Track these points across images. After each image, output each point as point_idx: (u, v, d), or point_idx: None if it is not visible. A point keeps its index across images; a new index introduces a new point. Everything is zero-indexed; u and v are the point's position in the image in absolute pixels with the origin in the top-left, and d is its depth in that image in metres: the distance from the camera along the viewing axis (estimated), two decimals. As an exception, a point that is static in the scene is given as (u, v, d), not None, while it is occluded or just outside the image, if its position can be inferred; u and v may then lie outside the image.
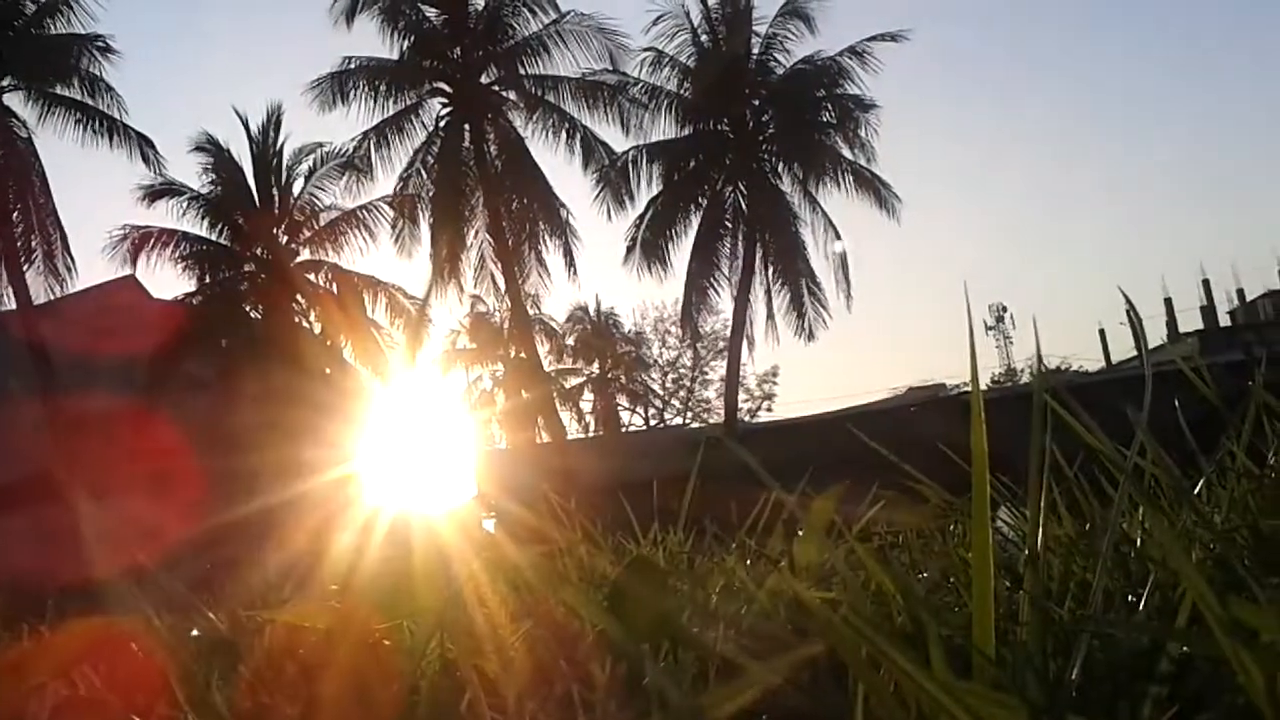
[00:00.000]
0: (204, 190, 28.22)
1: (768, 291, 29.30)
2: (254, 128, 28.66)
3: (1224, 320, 40.88)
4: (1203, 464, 1.41)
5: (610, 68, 28.09)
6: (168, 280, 38.61)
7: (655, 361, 48.25)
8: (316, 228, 28.66)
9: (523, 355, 31.55)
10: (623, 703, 0.98)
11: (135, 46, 69.85)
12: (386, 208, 28.31)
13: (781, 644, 0.96)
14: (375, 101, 27.88)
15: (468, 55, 28.41)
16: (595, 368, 48.29)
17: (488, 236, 28.39)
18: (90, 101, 26.08)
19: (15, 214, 25.82)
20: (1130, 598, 1.03)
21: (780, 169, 29.48)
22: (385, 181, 28.40)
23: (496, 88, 28.64)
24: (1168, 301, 41.71)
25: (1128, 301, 1.40)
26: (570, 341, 47.31)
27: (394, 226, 28.39)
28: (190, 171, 29.12)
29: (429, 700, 1.01)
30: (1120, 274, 66.24)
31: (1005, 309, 48.24)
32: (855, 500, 1.80)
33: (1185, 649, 0.71)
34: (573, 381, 47.56)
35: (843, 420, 23.96)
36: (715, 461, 2.07)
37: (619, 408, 48.66)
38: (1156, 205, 75.69)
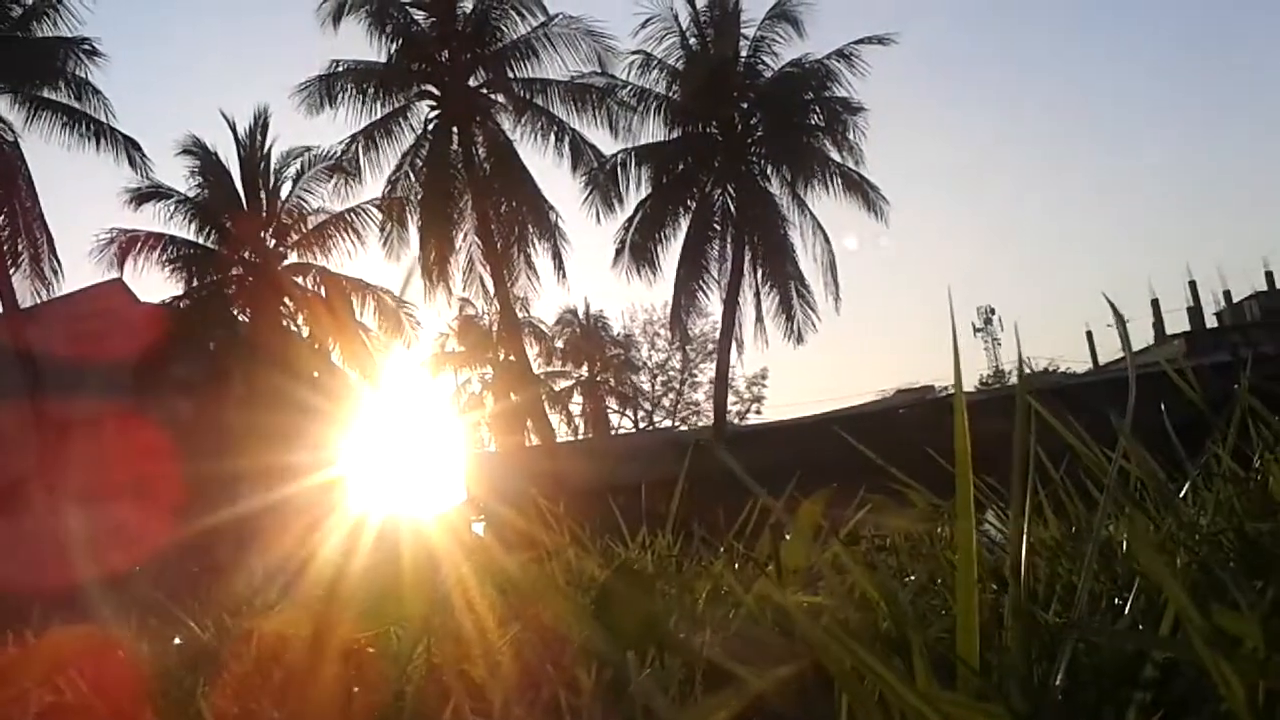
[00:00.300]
0: (191, 193, 28.13)
1: (756, 294, 29.34)
2: (241, 131, 28.59)
3: (1211, 322, 41.09)
4: (1188, 467, 1.42)
5: (599, 70, 28.10)
6: (155, 283, 38.56)
7: (644, 364, 48.25)
8: (304, 231, 28.58)
9: (512, 358, 31.50)
10: (609, 708, 0.98)
11: (122, 49, 69.54)
12: (375, 211, 28.25)
13: (768, 650, 0.96)
14: (363, 104, 27.85)
15: (455, 58, 28.38)
16: (584, 370, 48.28)
17: (476, 239, 28.35)
18: (77, 105, 25.97)
19: (2, 217, 25.68)
20: (1116, 601, 1.03)
21: (769, 171, 29.51)
22: (373, 184, 28.37)
23: (485, 91, 28.61)
24: (1154, 303, 41.94)
25: (1112, 307, 1.40)
26: (559, 344, 47.30)
27: (382, 230, 28.36)
28: (177, 175, 29.13)
29: (413, 707, 1.00)
30: (1108, 276, 66.51)
31: (993, 311, 48.47)
32: (844, 503, 1.80)
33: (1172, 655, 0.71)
34: (562, 384, 47.57)
35: (831, 423, 24.01)
36: (703, 465, 2.07)
37: (608, 410, 48.67)
38: (1144, 207, 76.06)
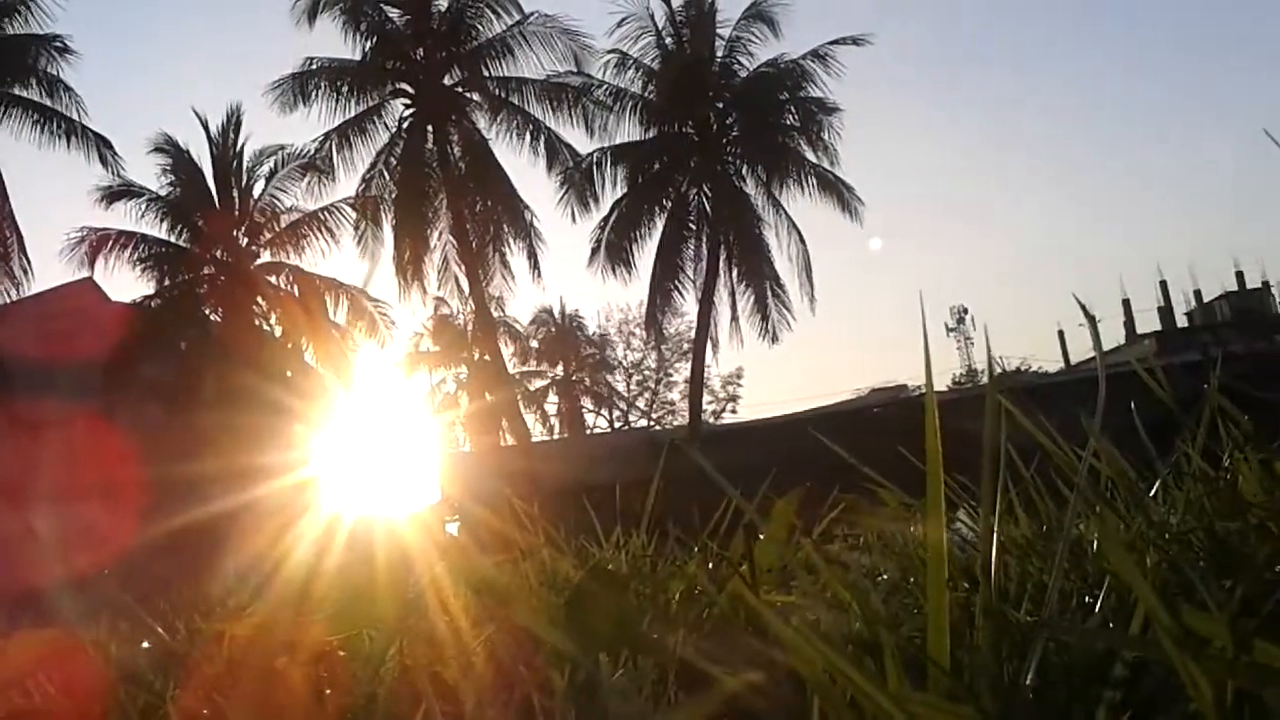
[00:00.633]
0: (163, 192, 27.88)
1: (732, 293, 29.40)
2: (214, 129, 28.36)
3: (1181, 322, 41.46)
4: (1158, 466, 1.42)
5: (574, 69, 28.06)
6: (126, 283, 38.20)
7: (620, 363, 48.24)
8: (277, 229, 28.39)
9: (487, 358, 31.42)
10: (581, 709, 0.97)
11: (94, 47, 68.98)
12: (349, 209, 28.10)
13: (741, 650, 0.96)
14: (337, 102, 27.69)
15: (430, 56, 28.27)
16: (560, 370, 48.22)
17: (451, 238, 28.26)
18: (48, 102, 25.70)
19: (-29, 216, 25.41)
20: (1087, 599, 1.03)
21: (744, 171, 29.56)
22: (347, 183, 28.22)
23: (460, 89, 28.51)
24: (1125, 303, 42.28)
25: (1082, 307, 1.41)
26: (535, 344, 47.23)
27: (356, 228, 28.20)
28: (149, 173, 28.74)
29: (385, 709, 1.00)
30: (1080, 276, 67.02)
31: (966, 311, 48.66)
32: (818, 502, 1.81)
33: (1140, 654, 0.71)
34: (537, 384, 47.51)
35: (806, 422, 24.09)
36: (678, 465, 2.07)
37: (583, 410, 48.64)
38: (1116, 207, 76.66)
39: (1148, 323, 41.87)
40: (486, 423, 33.39)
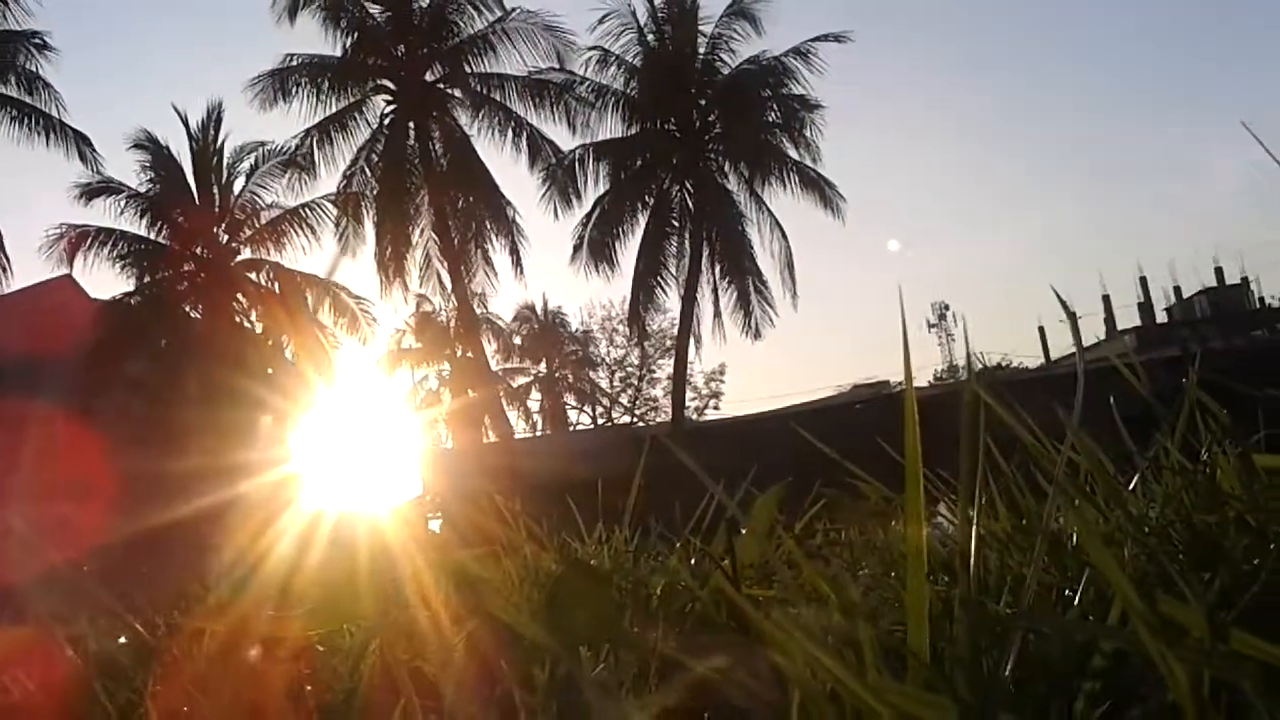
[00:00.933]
0: (143, 188, 27.73)
1: (714, 290, 29.43)
2: (194, 125, 28.21)
3: (1161, 317, 41.75)
4: (1138, 460, 1.43)
5: (557, 66, 28.03)
6: (106, 280, 37.89)
7: (602, 360, 48.20)
8: (258, 226, 28.27)
9: (469, 354, 31.36)
10: (564, 704, 0.97)
11: (74, 43, 68.50)
12: (330, 206, 28.02)
13: (723, 643, 0.96)
14: (318, 99, 27.59)
15: (412, 52, 28.18)
16: (542, 367, 48.17)
17: (433, 235, 28.18)
18: (28, 99, 25.51)
19: (-52, 213, 25.21)
20: (1067, 592, 1.04)
21: (727, 168, 29.59)
22: (328, 180, 28.13)
23: (441, 85, 28.43)
24: (1106, 299, 42.55)
25: (1062, 303, 1.41)
26: (517, 341, 47.16)
27: (337, 225, 28.11)
28: (129, 170, 28.58)
29: (364, 704, 1.00)
30: (1061, 272, 67.39)
31: (947, 307, 48.87)
32: (801, 497, 1.81)
33: (1118, 645, 0.71)
34: (520, 380, 47.44)
35: (788, 418, 24.13)
36: (660, 461, 2.06)
37: (566, 407, 48.60)
38: (1097, 203, 77.07)
39: (1128, 318, 42.18)
40: (469, 419, 33.29)
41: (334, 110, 27.72)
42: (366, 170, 28.05)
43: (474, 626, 1.16)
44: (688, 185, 29.53)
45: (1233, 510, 1.12)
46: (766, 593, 1.30)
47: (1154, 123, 77.13)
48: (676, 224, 29.70)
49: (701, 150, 29.52)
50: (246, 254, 28.56)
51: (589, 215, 29.30)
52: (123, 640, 1.74)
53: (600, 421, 47.10)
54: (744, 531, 1.51)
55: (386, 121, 28.23)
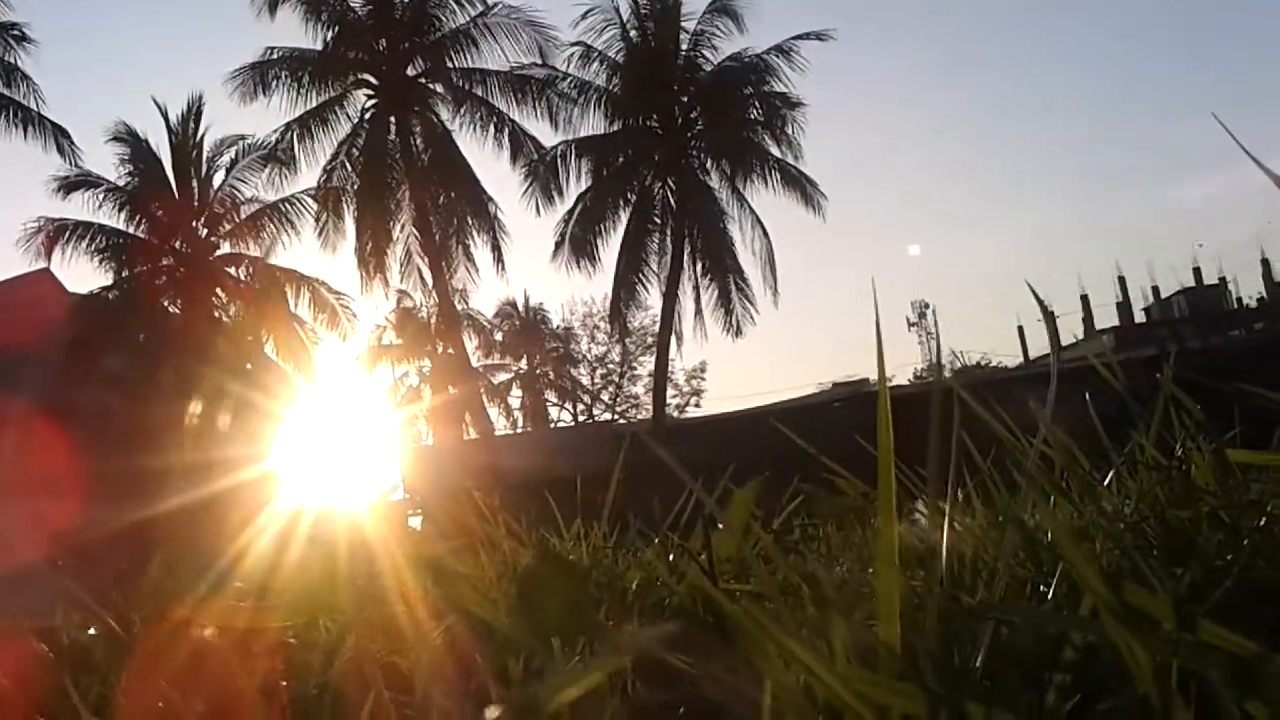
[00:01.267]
0: (121, 182, 27.54)
1: (696, 287, 29.43)
2: (173, 118, 28.03)
3: (1139, 317, 42.03)
4: (1113, 456, 1.44)
5: (539, 62, 27.97)
6: (84, 274, 37.63)
7: (584, 357, 48.14)
8: (237, 221, 28.11)
9: (450, 351, 31.28)
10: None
11: (53, 35, 68.00)
12: (310, 201, 27.88)
13: (698, 636, 0.96)
14: (298, 93, 27.46)
15: (393, 47, 28.07)
16: (523, 363, 48.09)
17: (414, 231, 28.09)
18: (6, 91, 25.34)
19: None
20: (1041, 587, 1.04)
21: (709, 165, 29.60)
22: (309, 174, 27.98)
23: (423, 80, 28.33)
24: (1084, 298, 42.80)
25: (1040, 303, 1.42)
26: (498, 337, 47.05)
27: (318, 220, 27.98)
28: (107, 163, 28.41)
29: (336, 698, 0.99)
30: (1040, 272, 67.71)
31: (927, 306, 49.01)
32: (779, 494, 1.81)
33: (1089, 637, 0.72)
34: (501, 377, 47.33)
35: (768, 415, 24.17)
36: (640, 458, 2.07)
37: (547, 403, 48.54)
38: (1076, 202, 77.49)
39: (1107, 318, 42.45)
40: (449, 416, 33.20)
41: (314, 104, 27.61)
42: (347, 165, 27.95)
43: (449, 621, 1.16)
44: (670, 182, 29.54)
45: (1207, 505, 1.13)
46: (743, 587, 1.30)
47: (1147, 123, 77.55)
48: (658, 221, 29.71)
49: (683, 147, 29.53)
50: (226, 248, 28.43)
51: (571, 211, 29.29)
52: (94, 633, 1.73)
53: (581, 418, 47.08)
54: (721, 527, 1.51)
55: (367, 116, 28.13)
